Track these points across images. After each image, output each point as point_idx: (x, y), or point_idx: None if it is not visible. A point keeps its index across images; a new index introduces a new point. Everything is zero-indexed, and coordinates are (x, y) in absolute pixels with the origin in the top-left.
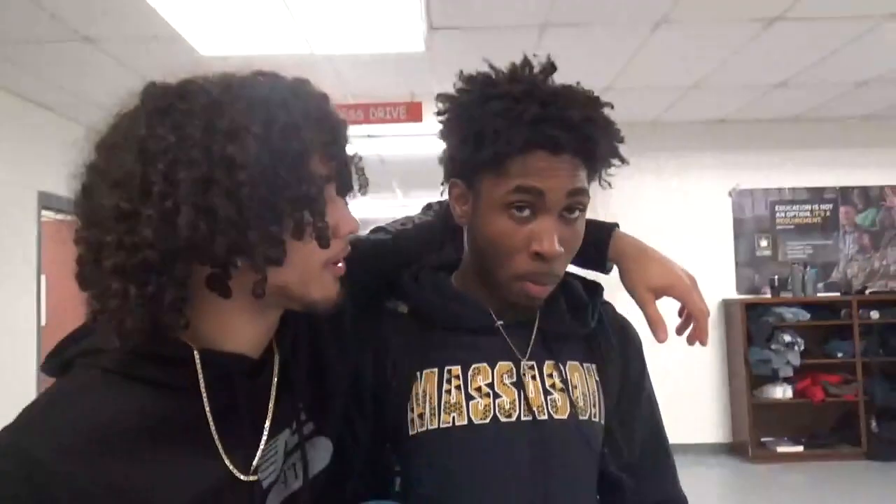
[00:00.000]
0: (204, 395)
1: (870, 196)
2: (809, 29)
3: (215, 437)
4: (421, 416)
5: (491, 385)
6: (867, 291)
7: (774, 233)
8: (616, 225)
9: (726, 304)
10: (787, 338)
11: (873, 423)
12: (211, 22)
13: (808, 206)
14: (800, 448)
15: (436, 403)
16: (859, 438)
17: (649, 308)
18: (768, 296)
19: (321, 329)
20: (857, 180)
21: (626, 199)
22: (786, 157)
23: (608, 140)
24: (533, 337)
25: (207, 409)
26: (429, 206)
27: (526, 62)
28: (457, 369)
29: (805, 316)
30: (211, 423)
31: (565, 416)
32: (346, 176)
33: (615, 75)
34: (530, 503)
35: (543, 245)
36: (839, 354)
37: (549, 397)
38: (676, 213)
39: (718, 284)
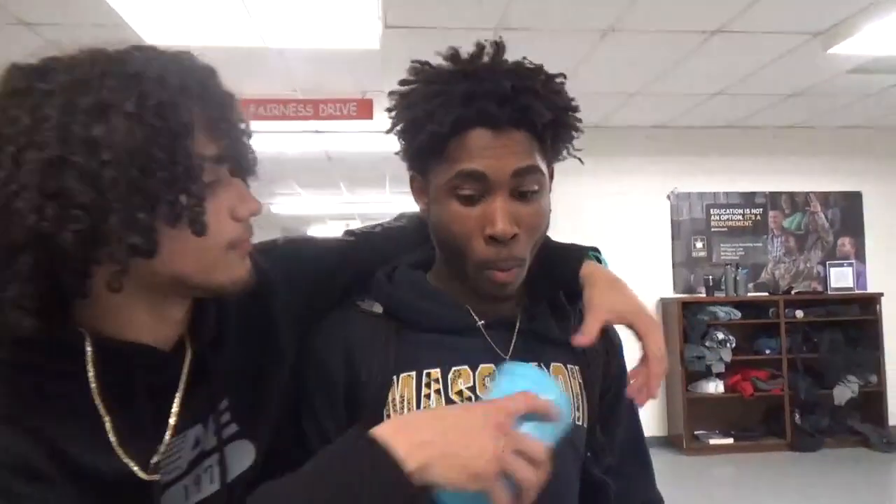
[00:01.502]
0: (92, 384)
1: (796, 201)
2: (747, 42)
3: (108, 430)
4: None
5: (472, 388)
6: (793, 291)
7: (709, 235)
8: (594, 250)
9: (664, 303)
10: (720, 335)
11: (797, 416)
12: (159, 9)
13: (740, 210)
14: (730, 440)
15: (414, 408)
16: (784, 431)
17: (591, 322)
18: (703, 295)
19: (268, 329)
20: (785, 186)
21: (568, 201)
22: (721, 162)
23: (549, 108)
24: (514, 337)
25: (98, 400)
26: (402, 215)
27: (478, 47)
28: (436, 372)
29: (736, 315)
30: (103, 415)
31: None
32: (242, 155)
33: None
34: None
35: (496, 227)
36: (767, 351)
37: None
38: (617, 215)
39: (657, 284)
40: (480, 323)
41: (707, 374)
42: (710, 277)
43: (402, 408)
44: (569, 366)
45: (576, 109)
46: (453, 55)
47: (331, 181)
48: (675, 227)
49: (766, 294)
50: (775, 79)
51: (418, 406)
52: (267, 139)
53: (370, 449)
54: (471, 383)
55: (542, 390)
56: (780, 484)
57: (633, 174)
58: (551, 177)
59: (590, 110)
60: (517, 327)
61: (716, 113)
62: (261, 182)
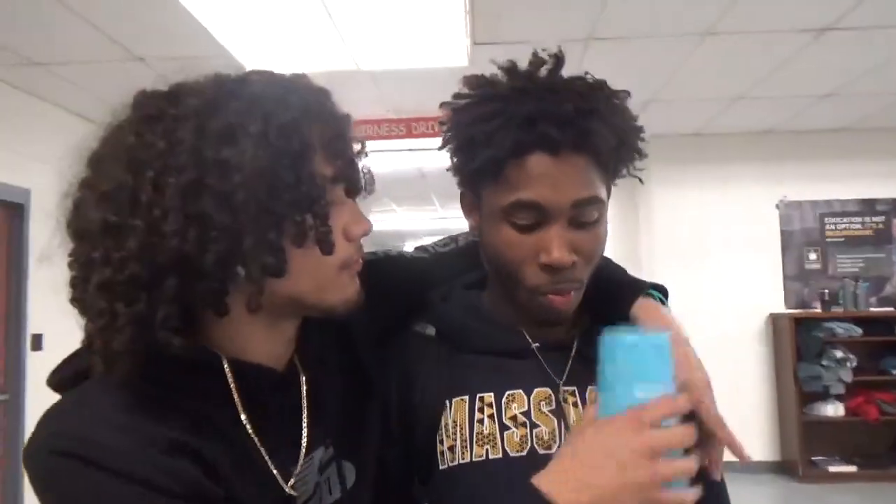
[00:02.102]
0: (239, 405)
1: None
2: (859, 39)
3: (261, 449)
4: (451, 448)
5: (527, 413)
6: None
7: (824, 245)
8: (658, 287)
9: (774, 319)
10: (839, 353)
11: None
12: (257, 39)
13: (859, 219)
14: (853, 468)
15: (467, 435)
16: None
17: None
18: (818, 310)
19: (361, 349)
20: None
21: (669, 212)
22: (835, 168)
23: (615, 132)
24: (571, 360)
25: (245, 419)
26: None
27: (536, 59)
28: (489, 397)
29: (857, 331)
30: (252, 434)
31: None
32: (355, 176)
33: (659, 87)
34: None
35: (552, 255)
36: (894, 371)
37: None
38: (721, 226)
39: (766, 298)
40: (535, 345)
41: (825, 395)
42: (827, 291)
43: (455, 433)
44: None
45: (640, 130)
46: (510, 68)
47: (424, 197)
48: (786, 237)
49: (892, 309)
50: (894, 76)
51: (471, 431)
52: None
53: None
54: (525, 408)
55: (664, 365)
56: None
57: (739, 182)
58: (609, 195)
59: (690, 117)
60: (573, 351)
61: (828, 115)
62: (358, 201)
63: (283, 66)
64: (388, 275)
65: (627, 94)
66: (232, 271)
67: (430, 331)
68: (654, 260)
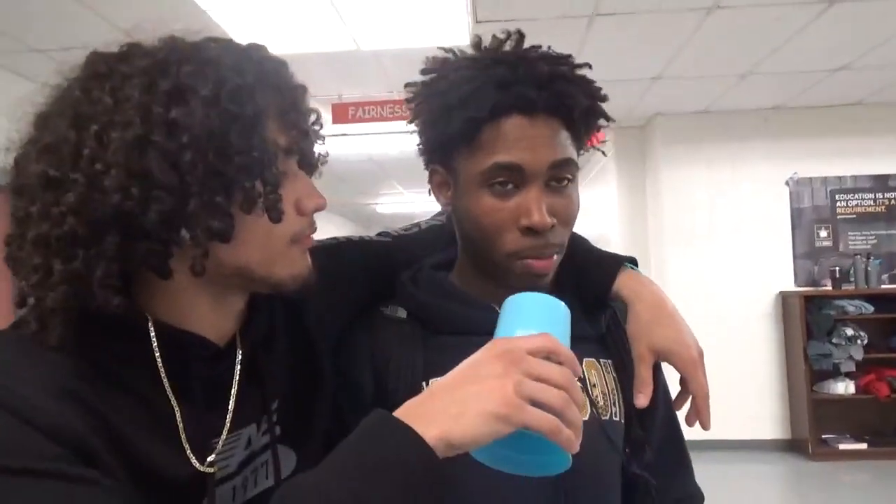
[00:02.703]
0: (162, 371)
1: None
2: (872, 8)
3: (178, 419)
4: None
5: None
6: None
7: (835, 223)
8: (631, 260)
9: (784, 297)
10: (850, 331)
11: None
12: (257, 21)
13: (870, 195)
14: (863, 445)
15: None
16: None
17: (642, 367)
18: (829, 288)
19: (313, 335)
20: None
21: (678, 190)
22: (846, 144)
23: (584, 95)
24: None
25: (167, 386)
26: (440, 213)
27: (499, 37)
28: None
29: (868, 309)
30: (173, 402)
31: (586, 418)
32: (308, 149)
33: (665, 64)
34: None
35: (533, 218)
36: None
37: None
38: (730, 205)
39: (776, 277)
40: None
41: (835, 373)
42: (838, 269)
43: None
44: (601, 360)
45: (605, 98)
46: (477, 43)
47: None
48: (796, 214)
49: None
50: None
51: None
52: (368, 141)
53: (392, 429)
54: None
55: (553, 321)
56: None
57: (748, 160)
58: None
59: (697, 94)
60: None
61: (839, 90)
62: (367, 182)
63: (282, 46)
64: (350, 258)
65: (589, 66)
66: (176, 233)
67: (401, 313)
68: (663, 240)
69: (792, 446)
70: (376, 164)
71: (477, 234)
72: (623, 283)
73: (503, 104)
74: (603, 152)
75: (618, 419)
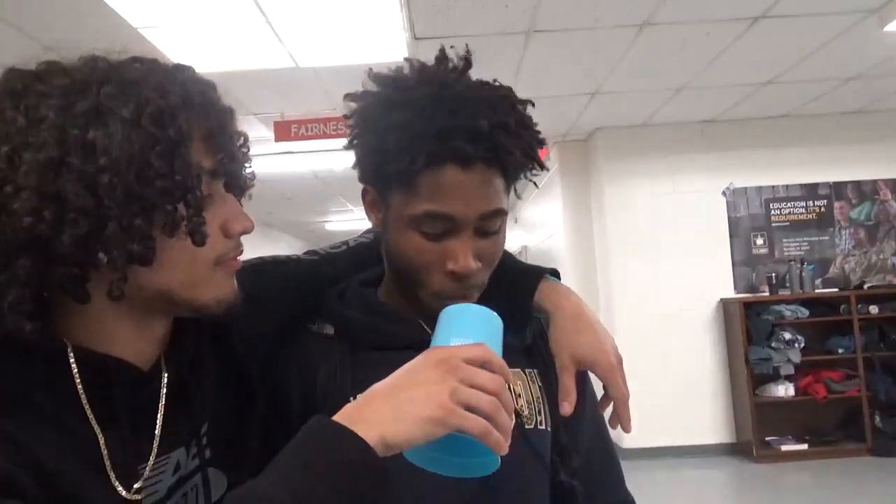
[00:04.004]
0: (84, 397)
1: (864, 190)
2: (794, 26)
3: (102, 447)
4: None
5: None
6: (865, 286)
7: (770, 230)
8: (552, 271)
9: (725, 304)
10: (787, 335)
11: (877, 419)
12: (191, 39)
13: (802, 203)
14: (804, 446)
15: None
16: (864, 434)
17: (565, 376)
18: (766, 294)
19: (241, 354)
20: (850, 175)
21: (621, 202)
22: (778, 154)
23: (523, 146)
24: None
25: (89, 412)
26: (369, 230)
27: (442, 57)
28: None
29: (804, 313)
30: (96, 429)
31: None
32: (236, 171)
33: (603, 79)
34: None
35: (459, 264)
36: (840, 350)
37: None
38: (672, 215)
39: (716, 284)
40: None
41: (775, 376)
42: (774, 275)
43: None
44: (527, 370)
45: (542, 142)
46: (420, 69)
47: None
48: (733, 224)
49: (837, 290)
50: (830, 63)
51: None
52: (313, 158)
53: (332, 432)
54: None
55: (487, 331)
56: (861, 492)
57: (687, 172)
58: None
59: (635, 108)
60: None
61: (769, 103)
62: (314, 200)
63: (220, 64)
64: (276, 277)
65: (531, 103)
66: (93, 256)
67: (329, 329)
68: (608, 252)
69: (737, 450)
70: (322, 182)
71: (403, 267)
72: (544, 294)
73: (439, 155)
74: (546, 167)
75: (543, 427)
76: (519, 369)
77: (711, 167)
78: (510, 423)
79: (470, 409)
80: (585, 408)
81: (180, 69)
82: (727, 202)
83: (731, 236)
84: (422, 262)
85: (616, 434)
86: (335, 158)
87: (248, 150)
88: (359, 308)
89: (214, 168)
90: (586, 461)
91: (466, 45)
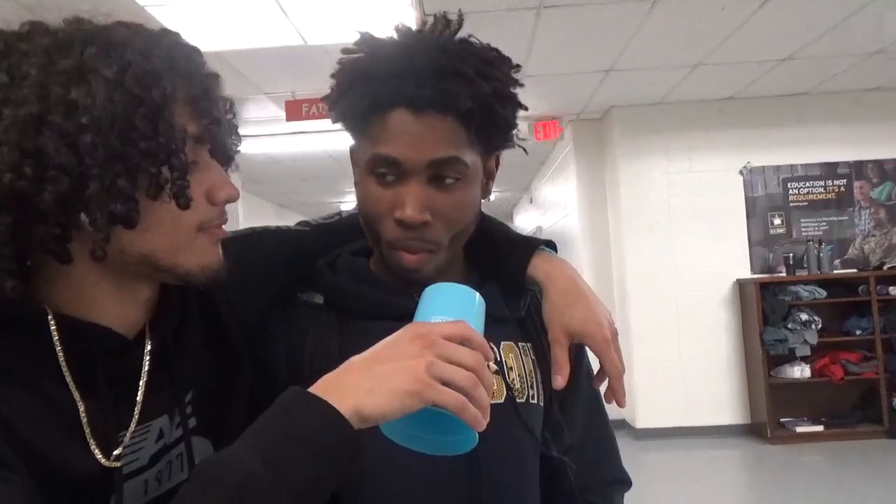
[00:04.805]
0: (63, 365)
1: (885, 170)
2: (812, 1)
3: (82, 414)
4: None
5: None
6: (885, 267)
7: (788, 210)
8: (547, 243)
9: (741, 284)
10: (804, 316)
11: (895, 401)
12: (198, 17)
13: (821, 182)
14: (819, 428)
15: None
16: (881, 416)
17: (558, 350)
18: (783, 274)
19: (228, 325)
20: (871, 154)
21: (636, 181)
22: (797, 132)
23: (476, 95)
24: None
25: (70, 381)
26: None
27: (438, 20)
28: None
29: (822, 294)
30: (77, 400)
31: (501, 400)
32: (220, 137)
33: (616, 56)
34: (469, 495)
35: (405, 212)
36: (858, 332)
37: None
38: (688, 194)
39: (732, 264)
40: None
41: (791, 357)
42: (791, 255)
43: None
44: (520, 343)
45: (509, 98)
46: (400, 28)
47: None
48: (751, 203)
49: (855, 271)
50: (850, 38)
51: None
52: (327, 138)
53: (306, 401)
54: None
55: (468, 309)
56: (877, 473)
57: (703, 150)
58: (489, 168)
59: (651, 86)
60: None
61: (788, 80)
62: (329, 181)
63: (228, 42)
64: (266, 247)
65: (510, 63)
66: (75, 216)
67: (318, 299)
68: (623, 231)
69: (751, 431)
70: (335, 162)
71: (364, 217)
72: (537, 266)
73: (385, 97)
74: (524, 150)
75: (535, 402)
76: (512, 342)
77: (729, 145)
78: (488, 399)
79: (447, 384)
80: (580, 383)
81: (166, 34)
82: (744, 181)
83: (748, 216)
84: (375, 209)
85: (629, 414)
86: (348, 138)
87: (235, 118)
88: (348, 277)
89: (199, 133)
90: (581, 438)
91: (459, 11)
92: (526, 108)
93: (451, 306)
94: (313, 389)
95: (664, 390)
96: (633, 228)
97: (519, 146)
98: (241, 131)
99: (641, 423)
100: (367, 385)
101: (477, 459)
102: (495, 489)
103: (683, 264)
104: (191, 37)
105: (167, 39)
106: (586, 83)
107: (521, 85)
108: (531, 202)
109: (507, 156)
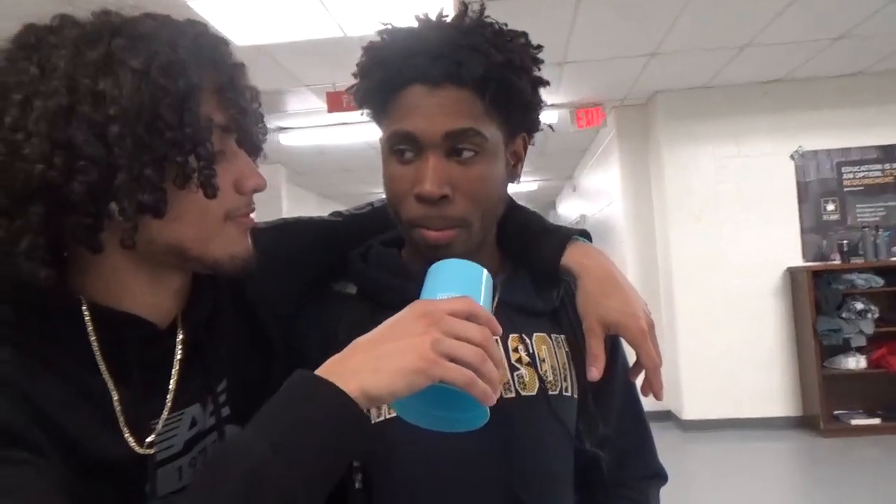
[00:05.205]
0: (97, 353)
1: None
2: None
3: (115, 403)
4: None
5: None
6: None
7: (842, 195)
8: (582, 232)
9: (792, 273)
10: (859, 305)
11: None
12: (242, 11)
13: (878, 166)
14: (876, 421)
15: None
16: None
17: (593, 341)
18: (837, 262)
19: (262, 315)
20: None
21: (682, 168)
22: (851, 115)
23: (488, 65)
24: (493, 310)
25: (104, 369)
26: None
27: (464, 6)
28: None
29: (878, 282)
30: (110, 386)
31: (534, 392)
32: (248, 127)
33: (660, 40)
34: (501, 488)
35: (423, 186)
36: None
37: (515, 373)
38: (736, 180)
39: (783, 252)
40: None
41: (845, 348)
42: (846, 242)
43: None
44: (553, 335)
45: (524, 69)
46: (420, 16)
47: None
48: (802, 188)
49: None
50: None
51: None
52: (369, 129)
53: (312, 384)
54: None
55: (473, 285)
56: None
57: (752, 134)
58: (516, 150)
59: (696, 69)
60: (495, 301)
61: (841, 60)
62: (372, 171)
63: (269, 35)
64: (299, 237)
65: (527, 37)
66: (105, 206)
67: (351, 289)
68: (668, 219)
69: (803, 423)
70: (376, 152)
71: (388, 200)
72: (571, 256)
73: (400, 75)
74: (551, 127)
75: (569, 394)
76: (544, 334)
77: (778, 129)
78: (497, 373)
79: (453, 360)
80: (616, 376)
81: (192, 24)
82: (796, 166)
83: (799, 202)
84: (397, 188)
85: (676, 405)
86: None
87: (260, 107)
88: (380, 268)
89: (226, 123)
90: (618, 431)
91: (482, 3)
92: (547, 84)
93: (457, 283)
94: (319, 372)
95: (712, 381)
96: (679, 216)
97: (548, 128)
98: (284, 123)
99: (688, 414)
100: (372, 365)
101: (509, 452)
102: (527, 481)
103: (732, 252)
104: (233, 31)
105: (193, 30)
106: (629, 68)
107: (541, 61)
108: (574, 191)
109: (549, 143)
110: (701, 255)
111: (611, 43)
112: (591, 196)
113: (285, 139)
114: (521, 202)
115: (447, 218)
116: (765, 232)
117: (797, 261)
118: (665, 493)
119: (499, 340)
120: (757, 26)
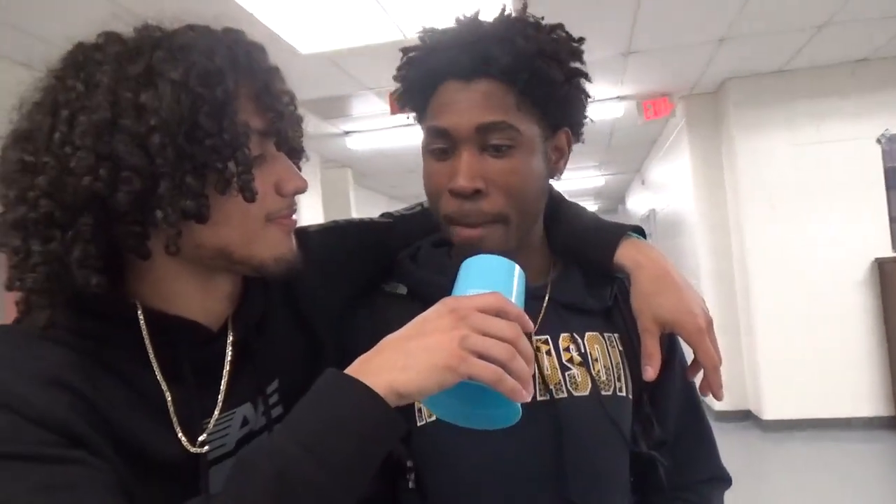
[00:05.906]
0: (151, 355)
1: None
2: None
3: (169, 403)
4: None
5: None
6: None
7: None
8: (635, 228)
9: (881, 264)
10: None
11: None
12: (305, 20)
13: None
14: None
15: None
16: None
17: (648, 340)
18: None
19: (313, 316)
20: None
21: (756, 156)
22: None
23: (517, 56)
24: (544, 308)
25: (157, 371)
26: None
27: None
28: None
29: None
30: (164, 387)
31: (586, 393)
32: (286, 131)
33: (730, 22)
34: (553, 489)
35: (456, 181)
36: None
37: (567, 373)
38: (816, 167)
39: (870, 242)
40: None
41: None
42: None
43: None
44: (606, 334)
45: (556, 59)
46: (459, 18)
47: None
48: (890, 174)
49: None
50: None
51: None
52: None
53: (341, 383)
54: None
55: (504, 281)
56: None
57: (834, 118)
58: (559, 145)
59: (771, 52)
60: (545, 300)
61: None
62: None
63: (331, 42)
64: (350, 238)
65: (563, 29)
66: (150, 214)
67: (401, 290)
68: (742, 211)
69: (894, 424)
70: None
71: (427, 198)
72: (625, 253)
73: (438, 72)
74: (591, 119)
75: (623, 394)
76: (597, 333)
77: (862, 112)
78: (528, 370)
79: (482, 356)
80: (673, 376)
81: (227, 32)
82: (883, 150)
83: (887, 188)
84: (434, 186)
85: (755, 404)
86: None
87: (296, 110)
88: (430, 269)
89: (264, 128)
90: (677, 432)
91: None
92: (585, 75)
93: (488, 279)
94: (349, 371)
95: (794, 379)
96: (755, 207)
97: (588, 120)
98: (349, 127)
99: (769, 414)
100: (400, 362)
101: (561, 453)
102: (580, 483)
103: (813, 244)
104: (298, 40)
105: (228, 38)
106: (698, 55)
107: (581, 52)
108: (643, 184)
109: (615, 136)
110: (779, 247)
111: (677, 29)
112: (661, 189)
113: (351, 143)
114: (589, 198)
115: (482, 213)
116: (849, 222)
117: (886, 251)
118: (744, 494)
119: (549, 340)
120: (836, 3)
